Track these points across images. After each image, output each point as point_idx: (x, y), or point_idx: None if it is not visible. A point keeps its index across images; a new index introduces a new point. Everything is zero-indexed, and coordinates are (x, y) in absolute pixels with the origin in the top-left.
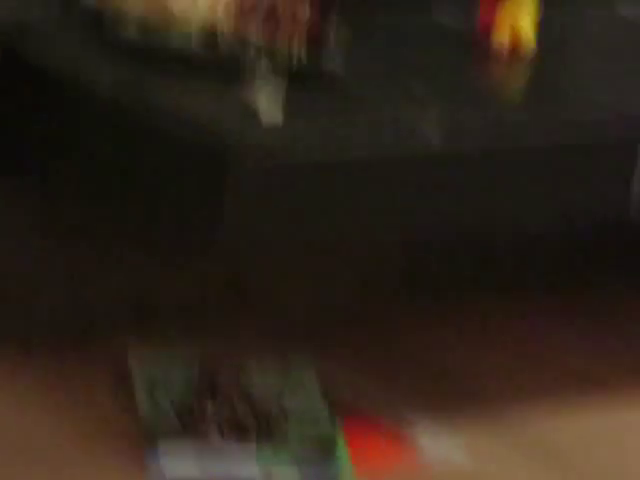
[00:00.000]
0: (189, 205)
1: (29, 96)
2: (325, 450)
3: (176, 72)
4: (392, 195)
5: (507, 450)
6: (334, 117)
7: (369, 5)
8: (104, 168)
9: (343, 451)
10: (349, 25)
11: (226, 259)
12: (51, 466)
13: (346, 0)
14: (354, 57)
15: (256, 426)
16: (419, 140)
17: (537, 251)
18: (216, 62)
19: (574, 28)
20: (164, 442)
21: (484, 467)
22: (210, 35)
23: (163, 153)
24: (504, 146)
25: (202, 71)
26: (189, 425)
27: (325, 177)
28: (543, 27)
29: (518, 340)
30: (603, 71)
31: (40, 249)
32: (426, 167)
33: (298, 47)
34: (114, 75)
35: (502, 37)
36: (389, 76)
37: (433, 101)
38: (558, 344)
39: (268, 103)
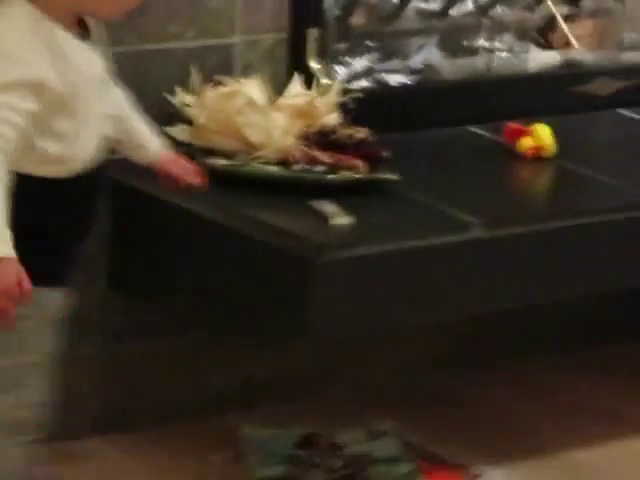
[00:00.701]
0: (278, 297)
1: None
2: None
3: (260, 191)
4: (445, 277)
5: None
6: (391, 216)
7: (411, 121)
8: (210, 276)
9: None
10: (398, 139)
11: (314, 340)
12: None
13: (393, 118)
14: (404, 166)
15: (347, 471)
16: (462, 230)
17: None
18: (291, 180)
19: (586, 130)
20: None
21: None
22: (284, 159)
23: (256, 258)
24: (532, 230)
25: (282, 189)
26: (294, 475)
27: (389, 265)
28: (559, 130)
29: (564, 391)
30: (612, 164)
31: (167, 343)
32: (466, 251)
33: (357, 163)
34: (211, 198)
35: (527, 144)
36: (434, 180)
37: (473, 200)
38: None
39: (335, 210)
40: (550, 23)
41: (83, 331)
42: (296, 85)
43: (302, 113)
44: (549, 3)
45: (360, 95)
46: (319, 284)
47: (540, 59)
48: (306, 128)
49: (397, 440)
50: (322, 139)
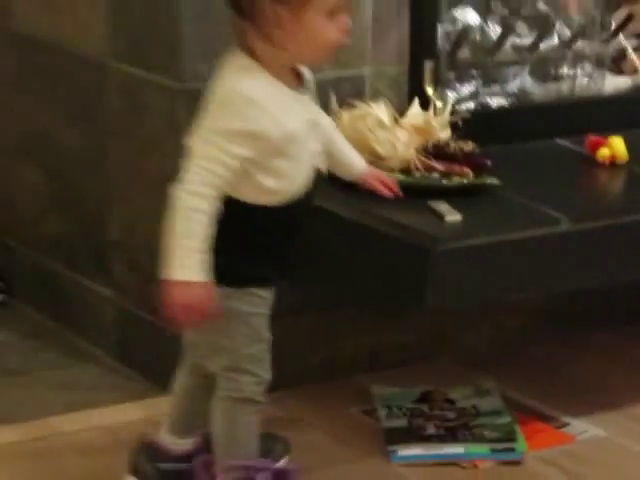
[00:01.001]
0: (404, 280)
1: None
2: (507, 434)
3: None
4: (537, 262)
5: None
6: (491, 213)
7: (509, 135)
8: (351, 266)
9: (519, 434)
10: (498, 151)
11: (432, 315)
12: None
13: (494, 133)
14: (504, 173)
15: (458, 423)
16: (553, 225)
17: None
18: (412, 185)
19: None
20: (398, 438)
21: (611, 437)
22: (406, 168)
23: (386, 249)
24: (609, 224)
25: (405, 192)
26: (415, 425)
27: (492, 253)
28: (631, 142)
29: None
30: None
31: (303, 319)
32: (556, 241)
33: (466, 170)
34: (350, 201)
35: (605, 153)
36: (529, 184)
37: (561, 199)
38: None
39: (449, 209)
40: (622, 54)
41: None
42: (415, 107)
43: (421, 130)
44: (621, 37)
45: (467, 115)
46: (436, 268)
47: (614, 84)
48: (424, 142)
49: (498, 396)
50: (437, 151)
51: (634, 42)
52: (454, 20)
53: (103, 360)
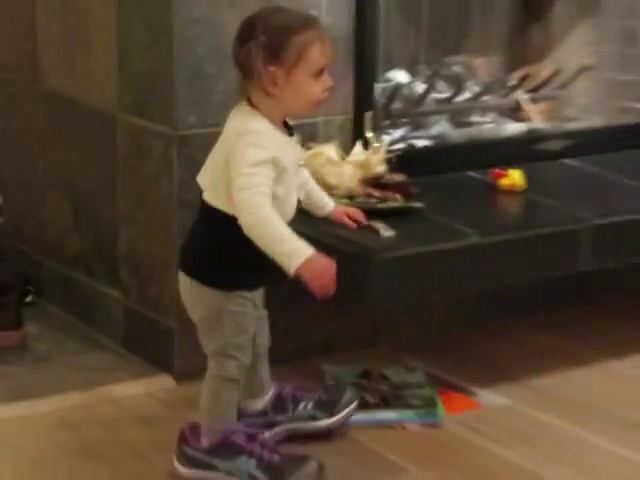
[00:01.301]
0: (350, 283)
1: None
2: (429, 402)
3: None
4: (452, 268)
5: (524, 396)
6: (417, 230)
7: (431, 169)
8: None
9: (439, 402)
10: (423, 181)
11: (371, 310)
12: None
13: (419, 168)
14: (427, 198)
15: (391, 393)
16: (465, 238)
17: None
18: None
19: (543, 173)
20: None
21: (512, 405)
22: (351, 195)
23: (334, 260)
24: (508, 238)
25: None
26: (358, 394)
27: (418, 261)
28: (527, 173)
29: (544, 341)
30: (559, 194)
31: (271, 313)
32: (466, 251)
33: (397, 196)
34: (305, 221)
35: (506, 183)
36: (446, 206)
37: (471, 218)
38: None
39: (384, 227)
40: (518, 105)
41: None
42: (358, 148)
43: (362, 166)
44: (518, 92)
45: (398, 153)
46: (374, 273)
47: (513, 128)
48: (365, 175)
49: (422, 373)
50: (375, 182)
51: (528, 96)
52: (388, 80)
53: (113, 347)
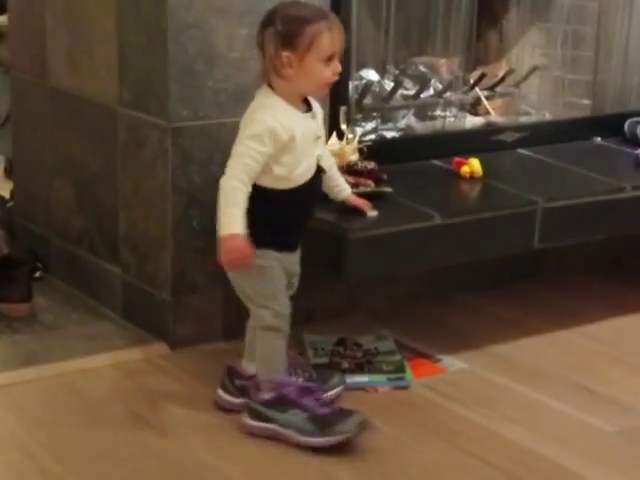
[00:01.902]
0: (329, 260)
1: None
2: (398, 367)
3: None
4: (419, 246)
5: (484, 362)
6: (387, 212)
7: (399, 158)
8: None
9: (407, 367)
10: (392, 168)
11: (347, 284)
12: None
13: (389, 156)
14: (395, 183)
15: (364, 360)
16: (429, 219)
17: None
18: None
19: (500, 162)
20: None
21: (473, 370)
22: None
23: (319, 240)
24: (468, 219)
25: (326, 197)
26: (333, 361)
27: (389, 239)
28: (485, 162)
29: (491, 313)
30: (515, 181)
31: None
32: (430, 231)
33: (369, 182)
34: None
35: (466, 170)
36: (413, 192)
37: (435, 202)
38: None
39: (371, 209)
40: (477, 101)
41: None
42: (334, 139)
43: (337, 154)
44: (477, 89)
45: (369, 143)
46: (349, 252)
47: (472, 122)
48: (340, 163)
49: (392, 341)
50: (349, 169)
51: (486, 93)
52: (360, 77)
53: (113, 318)
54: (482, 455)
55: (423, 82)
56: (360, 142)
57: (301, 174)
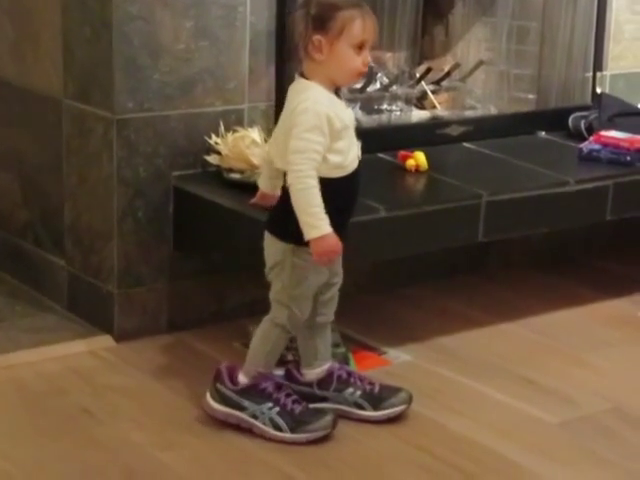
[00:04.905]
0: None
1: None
2: (343, 359)
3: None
4: (363, 237)
5: (427, 354)
6: None
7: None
8: (238, 242)
9: (352, 359)
10: None
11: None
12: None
13: None
14: None
15: None
16: (374, 212)
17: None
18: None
19: (445, 155)
20: None
21: (417, 362)
22: None
23: (253, 230)
24: (412, 213)
25: None
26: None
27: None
28: (430, 155)
29: (435, 306)
30: (460, 174)
31: (204, 280)
32: (375, 224)
33: None
34: (232, 197)
35: (411, 163)
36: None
37: (380, 195)
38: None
39: None
40: (423, 95)
41: None
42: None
43: None
44: (423, 84)
45: None
46: None
47: (417, 115)
48: None
49: (337, 333)
50: None
51: (431, 87)
52: None
53: (58, 310)
54: (426, 446)
55: (370, 76)
56: None
57: (352, 160)
